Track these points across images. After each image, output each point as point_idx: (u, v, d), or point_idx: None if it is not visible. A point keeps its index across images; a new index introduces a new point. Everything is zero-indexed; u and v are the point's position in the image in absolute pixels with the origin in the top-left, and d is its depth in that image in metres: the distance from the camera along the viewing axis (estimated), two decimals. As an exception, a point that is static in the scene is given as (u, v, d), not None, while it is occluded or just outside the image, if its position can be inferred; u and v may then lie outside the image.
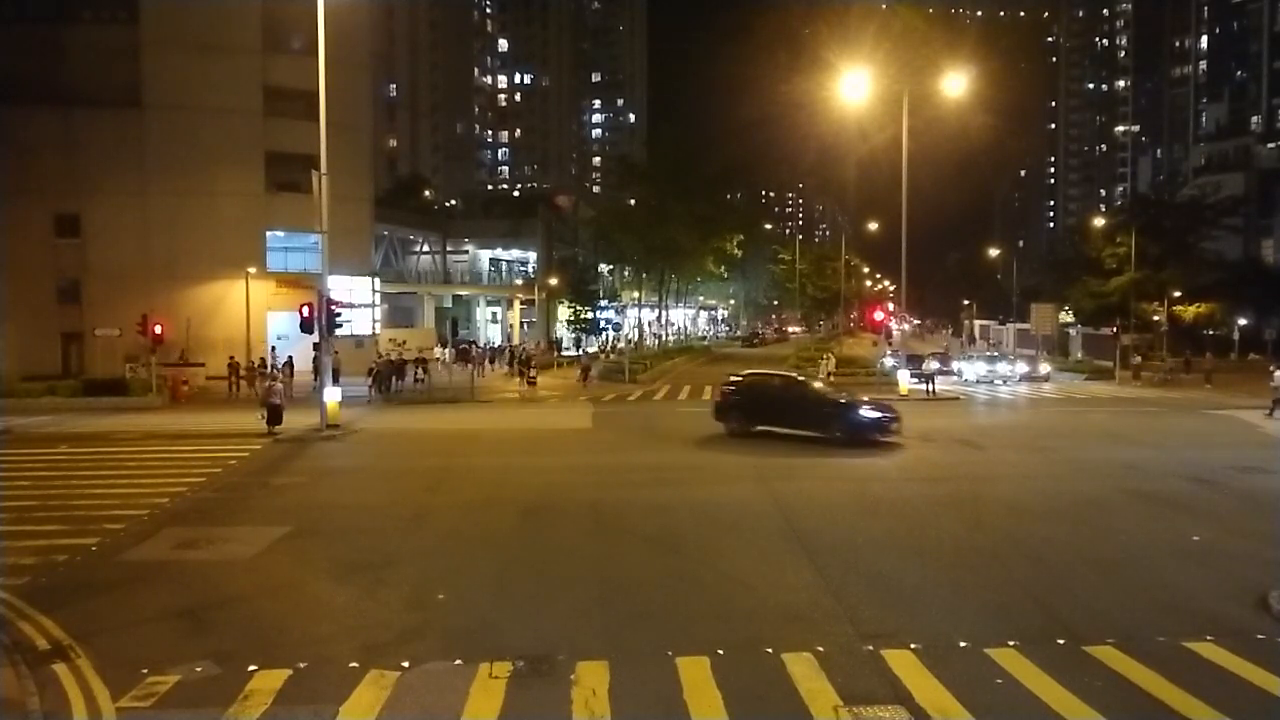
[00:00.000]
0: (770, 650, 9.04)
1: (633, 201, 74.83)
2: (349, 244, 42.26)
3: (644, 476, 19.50)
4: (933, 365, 45.57)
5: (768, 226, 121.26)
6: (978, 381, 45.21)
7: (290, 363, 37.37)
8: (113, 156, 41.94)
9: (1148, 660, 8.76)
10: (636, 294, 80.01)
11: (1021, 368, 48.42)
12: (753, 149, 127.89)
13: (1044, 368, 50.50)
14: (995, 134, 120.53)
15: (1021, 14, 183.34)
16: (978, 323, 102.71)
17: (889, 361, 43.54)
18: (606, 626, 9.98)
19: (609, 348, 64.99)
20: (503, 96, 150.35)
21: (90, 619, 10.19)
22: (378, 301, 49.33)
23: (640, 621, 10.14)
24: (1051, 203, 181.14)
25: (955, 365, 49.86)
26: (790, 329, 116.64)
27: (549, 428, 28.75)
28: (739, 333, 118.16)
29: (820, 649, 9.07)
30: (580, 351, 64.02)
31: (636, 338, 74.70)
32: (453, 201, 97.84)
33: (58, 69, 41.94)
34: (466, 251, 76.25)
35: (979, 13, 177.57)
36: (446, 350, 45.56)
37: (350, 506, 16.81)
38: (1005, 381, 45.37)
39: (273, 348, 41.38)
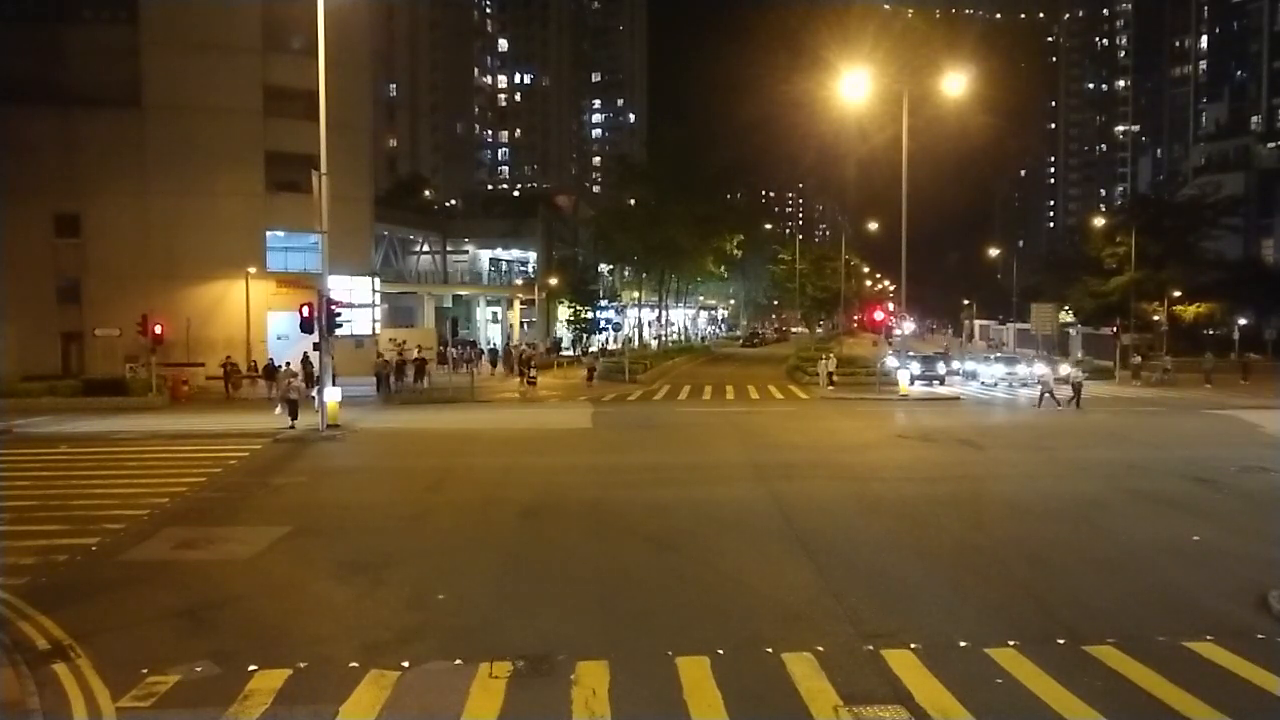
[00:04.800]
0: (770, 650, 9.04)
1: (633, 201, 74.89)
2: (349, 244, 42.19)
3: (644, 476, 19.52)
4: (927, 366, 43.83)
5: (768, 226, 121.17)
6: (994, 384, 43.43)
7: (277, 365, 37.04)
8: (113, 156, 41.89)
9: (1148, 660, 8.76)
10: (636, 294, 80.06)
11: (1039, 369, 46.08)
12: (753, 149, 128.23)
13: (1064, 369, 47.62)
14: (995, 134, 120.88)
15: (1022, 15, 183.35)
16: (978, 323, 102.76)
17: (891, 362, 42.69)
18: (606, 626, 9.98)
19: (590, 349, 64.49)
20: (503, 96, 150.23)
21: (90, 619, 10.18)
22: (378, 301, 49.27)
23: (640, 621, 10.15)
24: (1051, 203, 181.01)
25: (971, 367, 48.06)
26: (796, 329, 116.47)
27: (549, 427, 28.75)
28: (739, 333, 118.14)
29: (820, 649, 9.07)
30: (581, 351, 64.06)
31: (635, 337, 74.72)
32: (453, 201, 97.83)
33: (58, 69, 41.86)
34: (466, 251, 76.23)
35: (980, 13, 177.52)
36: (418, 349, 45.20)
37: (350, 506, 16.81)
38: (1025, 384, 42.98)
39: (270, 361, 41.05)
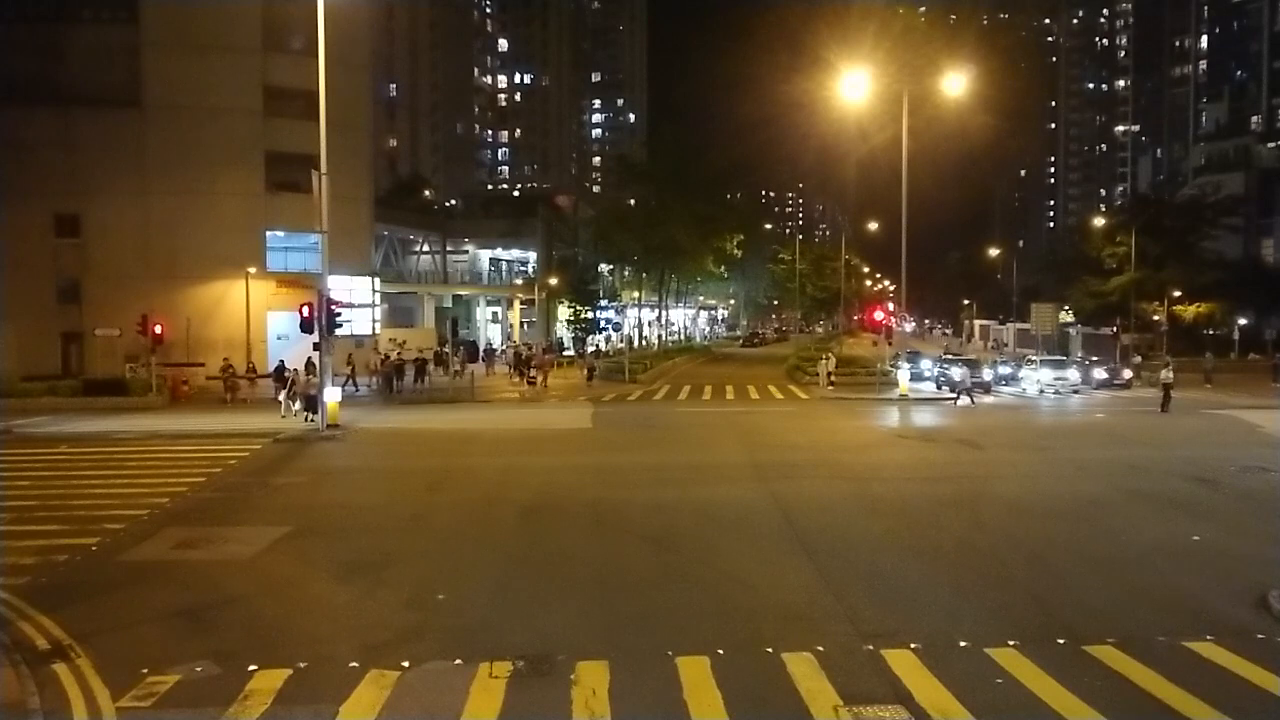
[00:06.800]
0: (770, 650, 9.05)
1: (633, 201, 74.89)
2: (349, 244, 42.17)
3: (644, 476, 19.51)
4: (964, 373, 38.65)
5: (768, 226, 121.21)
6: (1040, 392, 39.28)
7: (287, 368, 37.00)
8: (113, 156, 41.84)
9: (1148, 660, 8.76)
10: (636, 294, 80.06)
11: (1097, 374, 42.68)
12: (753, 149, 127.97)
13: (1126, 373, 43.65)
14: (995, 134, 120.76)
15: (1022, 15, 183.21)
16: (978, 323, 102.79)
17: (904, 364, 40.56)
18: (606, 626, 9.99)
19: (587, 350, 64.07)
20: (503, 96, 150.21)
21: (90, 619, 10.19)
22: (378, 301, 49.25)
23: (640, 621, 10.15)
24: (1051, 203, 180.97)
25: (1008, 371, 43.58)
26: (809, 329, 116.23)
27: (549, 427, 28.74)
28: (739, 333, 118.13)
29: (820, 649, 9.07)
30: (579, 352, 64.00)
31: (636, 337, 74.65)
32: (453, 201, 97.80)
33: (58, 69, 41.85)
34: (466, 251, 76.20)
35: (981, 14, 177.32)
36: (402, 349, 45.10)
37: (350, 506, 16.82)
38: (1077, 391, 39.82)
39: (280, 364, 40.84)
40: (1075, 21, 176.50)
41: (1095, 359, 49.45)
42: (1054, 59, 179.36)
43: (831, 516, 15.41)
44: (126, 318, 36.64)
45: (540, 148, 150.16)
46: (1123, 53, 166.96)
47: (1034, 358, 45.44)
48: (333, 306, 27.22)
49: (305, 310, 27.19)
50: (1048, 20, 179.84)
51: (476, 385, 40.80)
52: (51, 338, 41.52)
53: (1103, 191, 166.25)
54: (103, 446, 23.86)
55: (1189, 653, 9.05)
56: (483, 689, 8.20)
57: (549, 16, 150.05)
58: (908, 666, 8.66)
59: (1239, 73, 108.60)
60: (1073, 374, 41.21)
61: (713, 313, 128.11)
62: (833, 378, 41.69)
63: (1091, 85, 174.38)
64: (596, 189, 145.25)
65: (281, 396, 31.30)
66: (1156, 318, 63.53)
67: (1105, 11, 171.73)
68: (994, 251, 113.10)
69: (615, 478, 19.35)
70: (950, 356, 47.11)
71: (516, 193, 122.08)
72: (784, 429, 27.71)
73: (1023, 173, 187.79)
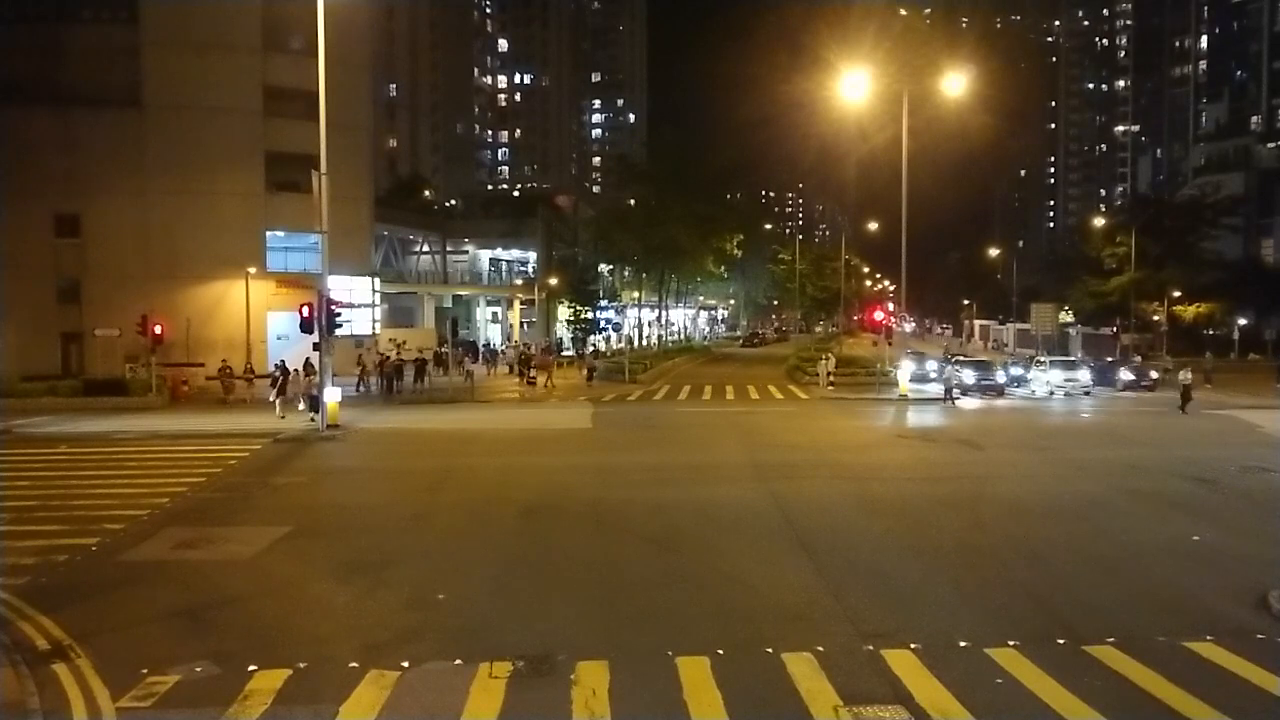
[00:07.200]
0: (770, 650, 9.05)
1: (633, 201, 74.91)
2: (349, 244, 42.18)
3: (644, 476, 19.51)
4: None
5: (768, 226, 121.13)
6: (1050, 394, 38.44)
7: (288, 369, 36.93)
8: (113, 156, 41.84)
9: (1148, 660, 8.76)
10: (636, 294, 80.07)
11: (1124, 375, 41.40)
12: (753, 149, 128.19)
13: (1153, 374, 41.60)
14: (995, 134, 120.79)
15: (1021, 15, 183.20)
16: (977, 323, 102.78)
17: (909, 364, 39.88)
18: (606, 626, 9.98)
19: (586, 350, 63.86)
20: (503, 96, 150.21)
21: (90, 619, 10.19)
22: (378, 301, 49.22)
23: (640, 621, 10.15)
24: (1051, 203, 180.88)
25: (1018, 372, 42.39)
26: (809, 329, 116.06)
27: (549, 428, 28.74)
28: (739, 333, 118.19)
29: (820, 649, 9.07)
30: (578, 353, 63.99)
31: (636, 337, 74.64)
32: (453, 201, 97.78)
33: (58, 69, 41.85)
34: (466, 251, 76.21)
35: (981, 14, 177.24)
36: (399, 349, 44.91)
37: (350, 506, 16.82)
38: (1087, 392, 38.65)
39: (281, 364, 40.65)
40: (1075, 21, 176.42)
41: (1115, 359, 48.32)
42: (1054, 59, 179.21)
43: (831, 516, 15.41)
44: (126, 318, 36.63)
45: (540, 148, 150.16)
46: (1123, 53, 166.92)
47: (1043, 359, 44.21)
48: (333, 306, 27.22)
49: (305, 310, 27.19)
50: (1057, 22, 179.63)
51: (477, 385, 40.81)
52: (51, 338, 41.50)
53: (1103, 191, 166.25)
54: (103, 446, 23.86)
55: (1189, 653, 9.05)
56: (483, 689, 8.20)
57: (549, 16, 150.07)
58: (908, 666, 8.66)
59: (1239, 73, 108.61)
60: (1083, 375, 40.03)
61: (713, 313, 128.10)
62: (832, 378, 41.69)
63: (1091, 85, 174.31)
64: (596, 189, 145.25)
65: (272, 397, 31.31)
66: (1156, 318, 63.61)
67: (1105, 11, 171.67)
68: (994, 251, 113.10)
69: (615, 478, 19.34)
70: (960, 357, 46.49)
71: (516, 193, 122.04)
72: (784, 429, 27.70)
73: (1023, 173, 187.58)
